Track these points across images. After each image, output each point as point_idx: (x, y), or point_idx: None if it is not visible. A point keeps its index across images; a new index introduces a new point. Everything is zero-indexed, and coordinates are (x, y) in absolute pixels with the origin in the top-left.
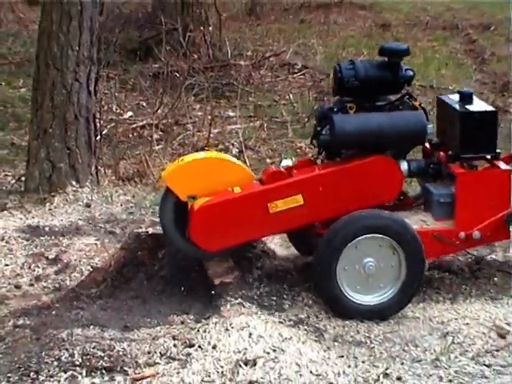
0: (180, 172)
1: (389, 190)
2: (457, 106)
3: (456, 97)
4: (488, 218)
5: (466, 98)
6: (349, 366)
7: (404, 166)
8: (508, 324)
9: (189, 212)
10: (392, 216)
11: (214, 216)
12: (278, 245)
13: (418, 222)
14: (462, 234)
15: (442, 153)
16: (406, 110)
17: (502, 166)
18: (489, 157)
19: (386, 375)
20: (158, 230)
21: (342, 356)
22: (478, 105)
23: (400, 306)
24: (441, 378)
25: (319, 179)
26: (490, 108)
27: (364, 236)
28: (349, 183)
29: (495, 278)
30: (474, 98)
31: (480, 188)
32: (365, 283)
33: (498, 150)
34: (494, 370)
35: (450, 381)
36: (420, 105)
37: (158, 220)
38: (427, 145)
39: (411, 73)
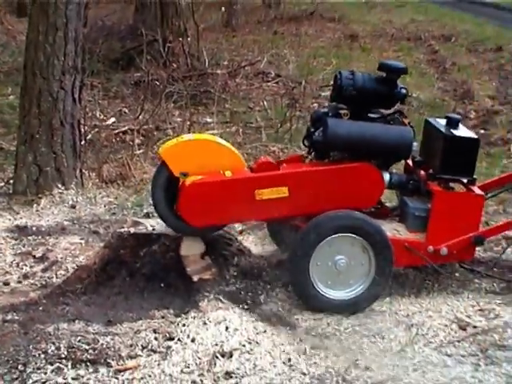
0: (177, 148)
1: (369, 196)
2: (443, 129)
3: (443, 121)
4: (457, 237)
5: (452, 123)
6: (320, 357)
7: (386, 176)
8: (468, 317)
9: (179, 187)
10: (364, 217)
11: (203, 194)
12: (253, 243)
13: (391, 230)
14: (431, 248)
15: (422, 171)
16: (396, 125)
17: (477, 191)
18: (465, 181)
19: (354, 365)
20: (140, 229)
21: (314, 348)
22: (463, 131)
23: (368, 302)
24: (406, 368)
25: (305, 175)
26: (474, 136)
27: (337, 235)
28: (333, 184)
29: (456, 274)
30: (460, 124)
31: (454, 208)
32: (336, 279)
33: (474, 176)
34: (455, 359)
35: (415, 370)
36: (409, 123)
37: (140, 218)
38: (410, 161)
39: (405, 91)
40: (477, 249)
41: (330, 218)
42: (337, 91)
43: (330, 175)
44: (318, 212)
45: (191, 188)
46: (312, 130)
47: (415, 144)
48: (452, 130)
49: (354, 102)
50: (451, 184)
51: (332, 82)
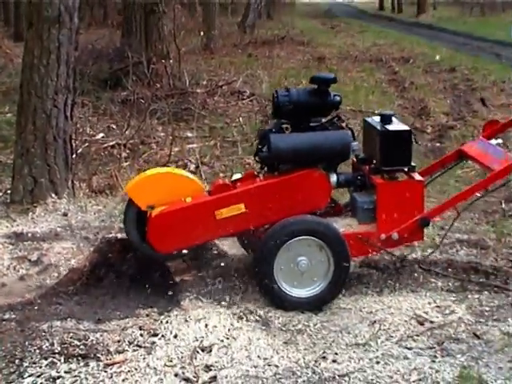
0: (140, 185)
1: (319, 198)
2: (378, 126)
3: (378, 118)
4: (405, 222)
5: (386, 119)
6: (291, 351)
7: (333, 178)
8: (426, 313)
9: (147, 219)
10: (316, 219)
11: (168, 222)
12: (230, 247)
13: (345, 225)
14: (383, 236)
15: (366, 166)
16: (334, 131)
17: (417, 177)
18: (406, 169)
19: (323, 358)
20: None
21: (286, 342)
22: (396, 125)
23: (331, 297)
24: (370, 360)
25: (258, 190)
26: (406, 127)
27: (294, 239)
28: (285, 193)
29: (415, 274)
30: (394, 119)
31: (397, 196)
32: (299, 279)
33: (412, 164)
34: (414, 352)
35: (378, 362)
36: (347, 126)
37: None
38: (355, 160)
39: (338, 98)
40: (437, 251)
41: (283, 225)
42: (276, 108)
43: (280, 186)
44: (275, 221)
45: (156, 220)
46: (259, 146)
47: (355, 144)
48: (386, 126)
49: (293, 116)
50: (395, 174)
51: (272, 101)
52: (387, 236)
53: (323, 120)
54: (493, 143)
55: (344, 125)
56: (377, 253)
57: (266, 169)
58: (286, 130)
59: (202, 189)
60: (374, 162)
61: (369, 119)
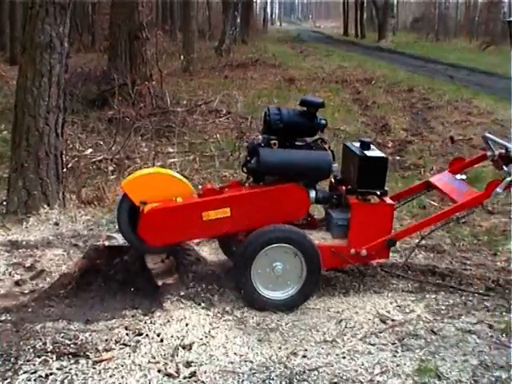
0: (136, 181)
1: (297, 211)
2: (357, 151)
3: (357, 144)
4: (374, 240)
5: (364, 146)
6: (265, 348)
7: (312, 193)
8: (388, 312)
9: (140, 214)
10: (292, 229)
11: (159, 219)
12: (208, 253)
13: (319, 238)
14: (353, 251)
15: (343, 187)
16: (318, 151)
17: (388, 201)
18: (378, 193)
19: (294, 354)
20: (113, 242)
21: (260, 340)
22: (374, 151)
23: (304, 299)
24: (337, 355)
25: (244, 197)
26: (382, 155)
27: (271, 246)
28: (266, 203)
29: (378, 276)
30: (372, 146)
31: (369, 216)
32: (275, 282)
33: (385, 188)
34: (377, 347)
35: (344, 357)
36: (329, 147)
37: (113, 233)
38: (333, 180)
39: (324, 122)
40: (397, 255)
41: (263, 232)
42: (266, 125)
43: (264, 196)
44: (256, 227)
45: (149, 214)
46: (248, 158)
47: (335, 165)
48: (364, 151)
49: (282, 134)
50: (368, 196)
51: (262, 117)
52: (357, 251)
53: (308, 140)
54: (457, 178)
55: (327, 146)
56: (346, 266)
57: (251, 179)
58: (274, 146)
59: (192, 191)
60: (351, 183)
61: (349, 144)
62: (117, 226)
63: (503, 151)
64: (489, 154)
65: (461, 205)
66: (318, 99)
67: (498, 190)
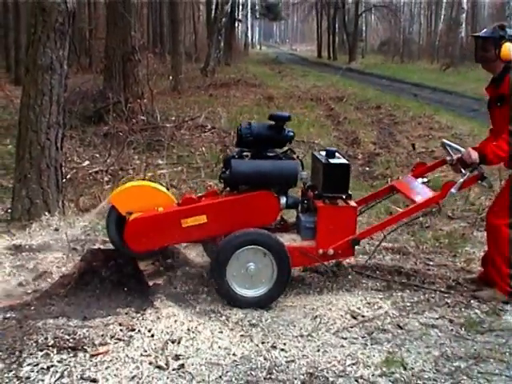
0: (122, 194)
1: (269, 216)
2: (322, 159)
3: (324, 153)
4: (339, 240)
5: (330, 154)
6: (247, 342)
7: (283, 200)
8: (358, 308)
9: (125, 223)
10: (259, 231)
11: (142, 227)
12: (195, 255)
13: (290, 240)
14: (321, 251)
15: (311, 192)
16: (286, 161)
17: (352, 204)
18: (344, 196)
19: (273, 347)
20: (108, 246)
21: (242, 335)
22: (338, 159)
23: (277, 296)
24: (312, 348)
25: (219, 205)
26: (345, 162)
27: (242, 248)
28: (240, 209)
29: (349, 276)
30: (337, 154)
31: (334, 218)
32: (249, 281)
33: (349, 192)
34: (348, 341)
35: (319, 350)
36: (298, 157)
37: (107, 238)
38: (303, 186)
39: (292, 134)
40: (366, 257)
41: (235, 236)
42: (239, 139)
43: (237, 203)
44: (231, 231)
45: (132, 223)
46: (223, 169)
47: (304, 173)
48: (329, 159)
49: (253, 146)
50: (336, 200)
51: (236, 133)
52: (324, 251)
53: (278, 151)
54: (419, 181)
55: (295, 156)
56: (314, 264)
57: (227, 188)
58: (246, 157)
59: (172, 201)
60: (318, 188)
61: (316, 153)
62: None
63: (460, 155)
64: (448, 158)
65: (418, 205)
66: (285, 113)
67: (453, 190)
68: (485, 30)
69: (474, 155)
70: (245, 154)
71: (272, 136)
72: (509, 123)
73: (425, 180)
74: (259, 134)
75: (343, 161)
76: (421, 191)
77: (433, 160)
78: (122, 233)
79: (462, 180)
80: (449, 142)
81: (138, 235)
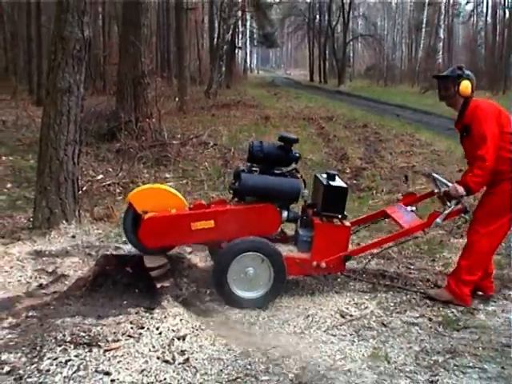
0: (139, 194)
1: (271, 227)
2: (324, 181)
3: (325, 175)
4: (332, 255)
5: (331, 177)
6: (246, 339)
7: (285, 214)
8: (347, 308)
9: (140, 221)
10: (255, 239)
11: (156, 225)
12: (199, 261)
13: (288, 251)
14: (314, 263)
15: (311, 209)
16: (291, 179)
17: (346, 223)
18: (340, 216)
19: (270, 344)
20: (120, 252)
21: (242, 332)
22: (338, 182)
23: (271, 299)
24: (305, 344)
25: (226, 213)
26: (344, 185)
27: (243, 254)
28: (245, 218)
29: (338, 279)
30: (337, 177)
31: (329, 235)
32: (248, 284)
33: (345, 213)
34: (338, 338)
35: (311, 346)
36: (301, 176)
37: (120, 244)
38: (304, 203)
39: (298, 155)
40: (354, 262)
41: (237, 243)
42: (250, 155)
43: (242, 212)
44: (236, 237)
45: (147, 222)
46: (233, 181)
47: (306, 191)
48: (330, 182)
49: (262, 162)
50: (332, 219)
51: (248, 149)
52: (318, 263)
53: (284, 169)
54: (408, 209)
55: (299, 176)
56: (308, 275)
57: (235, 198)
58: (255, 172)
59: (185, 205)
60: (317, 207)
61: (318, 174)
62: (123, 238)
63: (447, 189)
64: (436, 191)
65: (406, 231)
66: (293, 136)
67: (438, 220)
68: (445, 71)
69: (460, 189)
70: (254, 169)
71: (280, 155)
72: (476, 149)
73: (413, 208)
74: (269, 153)
75: (342, 184)
76: (409, 219)
77: (414, 174)
78: (137, 229)
79: (446, 212)
80: (437, 176)
81: (151, 233)
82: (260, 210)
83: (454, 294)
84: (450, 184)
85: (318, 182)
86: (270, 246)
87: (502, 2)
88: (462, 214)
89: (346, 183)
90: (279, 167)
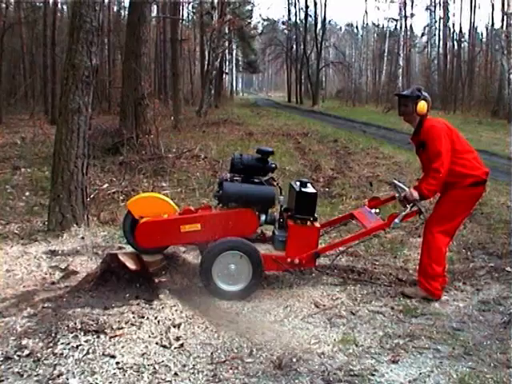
0: (136, 202)
1: (250, 229)
2: (296, 188)
3: (298, 183)
4: (304, 252)
5: (303, 184)
6: (232, 327)
7: (263, 217)
8: (320, 299)
9: (137, 224)
10: (232, 239)
11: (149, 229)
12: (192, 258)
13: (265, 249)
14: (289, 260)
15: (286, 213)
16: (267, 186)
17: (316, 224)
18: (311, 219)
19: (253, 331)
20: (123, 252)
21: (229, 321)
22: (309, 188)
23: (251, 292)
24: (284, 331)
25: (210, 217)
26: (314, 191)
27: (225, 252)
28: (227, 221)
29: (313, 274)
30: (309, 184)
31: (301, 235)
32: (231, 279)
33: (315, 215)
34: (313, 325)
35: (289, 332)
36: (277, 184)
37: (123, 245)
38: (280, 208)
39: (274, 165)
40: (325, 258)
41: (220, 242)
42: (231, 166)
43: (225, 216)
44: (219, 238)
45: (141, 226)
46: (217, 189)
47: (282, 197)
48: (302, 188)
49: (242, 172)
50: (305, 221)
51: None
52: (292, 260)
53: (262, 178)
54: (372, 211)
55: (276, 183)
56: (283, 270)
57: (220, 204)
58: (236, 181)
59: (175, 210)
60: (291, 211)
61: (292, 182)
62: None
63: (404, 194)
64: (397, 195)
65: (368, 230)
66: (269, 148)
67: (396, 221)
68: (406, 91)
69: (415, 194)
70: (235, 178)
71: (258, 166)
72: (432, 162)
73: (377, 211)
74: (248, 164)
75: (313, 190)
76: (372, 220)
77: (378, 182)
78: (134, 231)
79: (404, 213)
80: (397, 182)
81: (145, 235)
82: (240, 214)
83: (427, 290)
84: (406, 189)
85: (292, 188)
86: (246, 244)
87: (452, 35)
88: (418, 215)
89: (318, 190)
90: (257, 176)
